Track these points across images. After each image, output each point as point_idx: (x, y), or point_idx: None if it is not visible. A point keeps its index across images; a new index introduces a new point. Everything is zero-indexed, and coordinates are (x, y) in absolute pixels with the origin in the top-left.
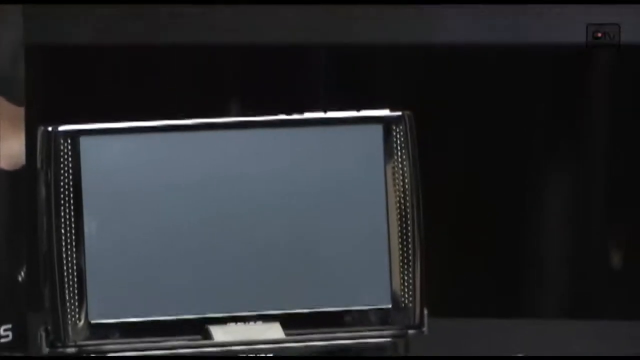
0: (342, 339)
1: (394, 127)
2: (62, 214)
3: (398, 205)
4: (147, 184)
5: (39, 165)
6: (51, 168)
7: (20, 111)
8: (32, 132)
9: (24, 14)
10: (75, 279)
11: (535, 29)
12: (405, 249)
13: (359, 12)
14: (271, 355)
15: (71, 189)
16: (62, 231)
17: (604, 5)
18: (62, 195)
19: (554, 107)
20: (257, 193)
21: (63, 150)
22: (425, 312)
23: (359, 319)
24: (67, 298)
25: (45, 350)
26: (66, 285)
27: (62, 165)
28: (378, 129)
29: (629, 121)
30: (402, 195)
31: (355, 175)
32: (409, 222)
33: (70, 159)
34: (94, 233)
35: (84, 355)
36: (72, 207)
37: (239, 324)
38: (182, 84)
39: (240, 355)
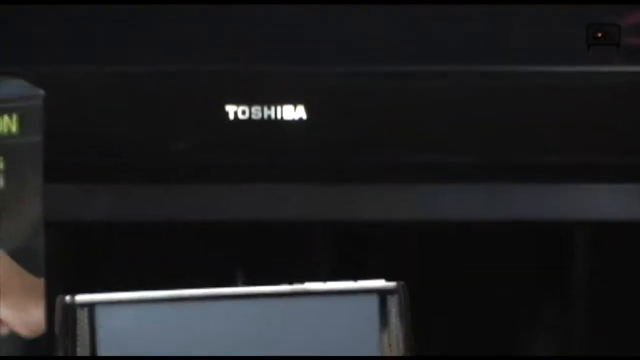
0: None
1: (389, 297)
2: None
3: None
4: (159, 351)
5: (57, 332)
6: (69, 336)
7: (40, 282)
8: (51, 301)
9: (44, 194)
10: None
11: (529, 207)
12: None
13: (358, 191)
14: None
15: (88, 356)
16: None
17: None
18: None
19: (543, 281)
20: None
21: (80, 319)
22: None
23: None
24: None
25: None
26: None
27: (78, 333)
28: (374, 299)
29: (612, 292)
30: None
31: (352, 343)
32: None
33: (86, 328)
34: None
35: None
36: None
37: None
38: (192, 257)
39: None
